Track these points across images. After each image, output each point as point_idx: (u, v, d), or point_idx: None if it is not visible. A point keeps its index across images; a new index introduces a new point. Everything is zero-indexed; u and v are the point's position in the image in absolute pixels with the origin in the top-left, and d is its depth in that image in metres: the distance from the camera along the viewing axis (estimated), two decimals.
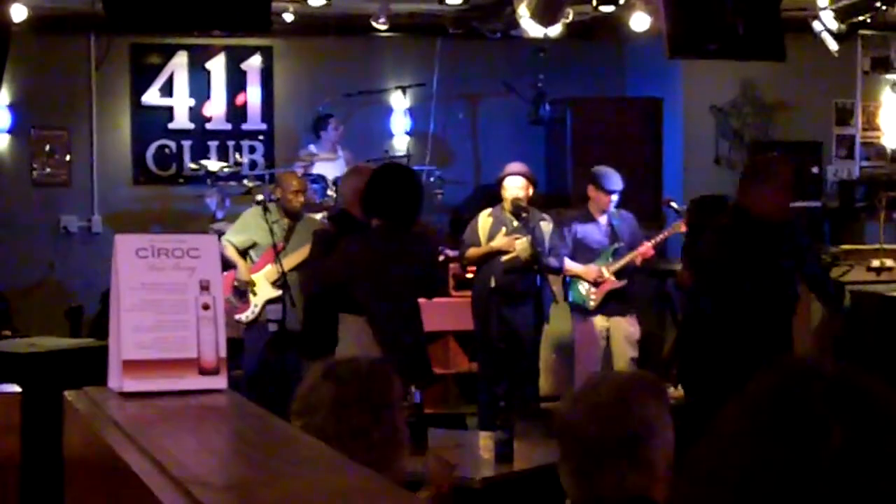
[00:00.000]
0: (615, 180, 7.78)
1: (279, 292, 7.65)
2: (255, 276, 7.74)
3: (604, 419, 2.34)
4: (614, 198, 7.79)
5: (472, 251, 7.71)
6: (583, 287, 7.84)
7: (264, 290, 7.73)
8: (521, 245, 7.52)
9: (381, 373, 2.55)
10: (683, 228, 8.13)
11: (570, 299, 7.96)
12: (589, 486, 2.34)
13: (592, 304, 7.83)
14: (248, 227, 7.83)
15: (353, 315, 5.82)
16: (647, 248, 7.88)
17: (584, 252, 7.89)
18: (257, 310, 7.75)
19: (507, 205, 7.67)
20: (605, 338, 7.88)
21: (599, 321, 7.87)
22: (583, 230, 7.89)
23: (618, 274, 7.82)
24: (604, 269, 7.80)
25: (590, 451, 2.34)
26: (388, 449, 2.45)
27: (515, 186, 7.67)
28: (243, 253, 7.82)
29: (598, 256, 7.86)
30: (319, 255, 6.03)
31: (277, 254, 7.55)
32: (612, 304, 7.85)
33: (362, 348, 5.76)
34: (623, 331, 7.88)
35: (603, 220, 7.88)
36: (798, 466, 1.12)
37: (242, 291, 7.73)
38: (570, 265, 7.84)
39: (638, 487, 2.31)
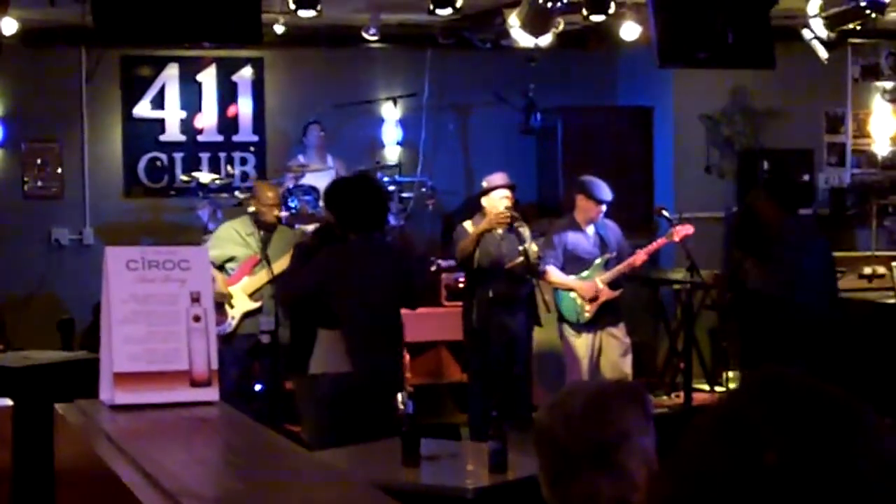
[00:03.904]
0: (606, 190, 7.75)
1: (257, 304, 7.61)
2: (231, 289, 7.68)
3: (576, 426, 2.34)
4: (604, 208, 7.77)
5: (463, 243, 7.64)
6: (577, 299, 7.78)
7: (241, 302, 7.68)
8: (533, 248, 7.54)
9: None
10: (676, 238, 8.10)
11: (561, 313, 7.90)
12: (564, 493, 2.34)
13: (587, 315, 7.77)
14: (223, 242, 7.76)
15: (330, 330, 5.87)
16: (640, 255, 7.86)
17: (573, 262, 7.83)
18: (234, 322, 7.70)
19: (493, 215, 7.59)
20: (598, 350, 7.82)
21: (589, 336, 7.80)
22: (573, 240, 7.84)
23: (611, 285, 7.79)
24: (598, 281, 7.75)
25: (563, 458, 2.34)
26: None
27: (505, 197, 7.63)
28: (221, 268, 7.76)
29: (590, 267, 7.82)
30: (297, 267, 6.09)
31: (267, 262, 7.51)
32: (604, 315, 7.80)
33: (334, 362, 5.79)
34: (617, 345, 7.82)
35: (590, 230, 7.84)
36: (734, 485, 1.13)
37: (219, 304, 7.68)
38: (565, 278, 7.78)
39: (612, 495, 2.31)
